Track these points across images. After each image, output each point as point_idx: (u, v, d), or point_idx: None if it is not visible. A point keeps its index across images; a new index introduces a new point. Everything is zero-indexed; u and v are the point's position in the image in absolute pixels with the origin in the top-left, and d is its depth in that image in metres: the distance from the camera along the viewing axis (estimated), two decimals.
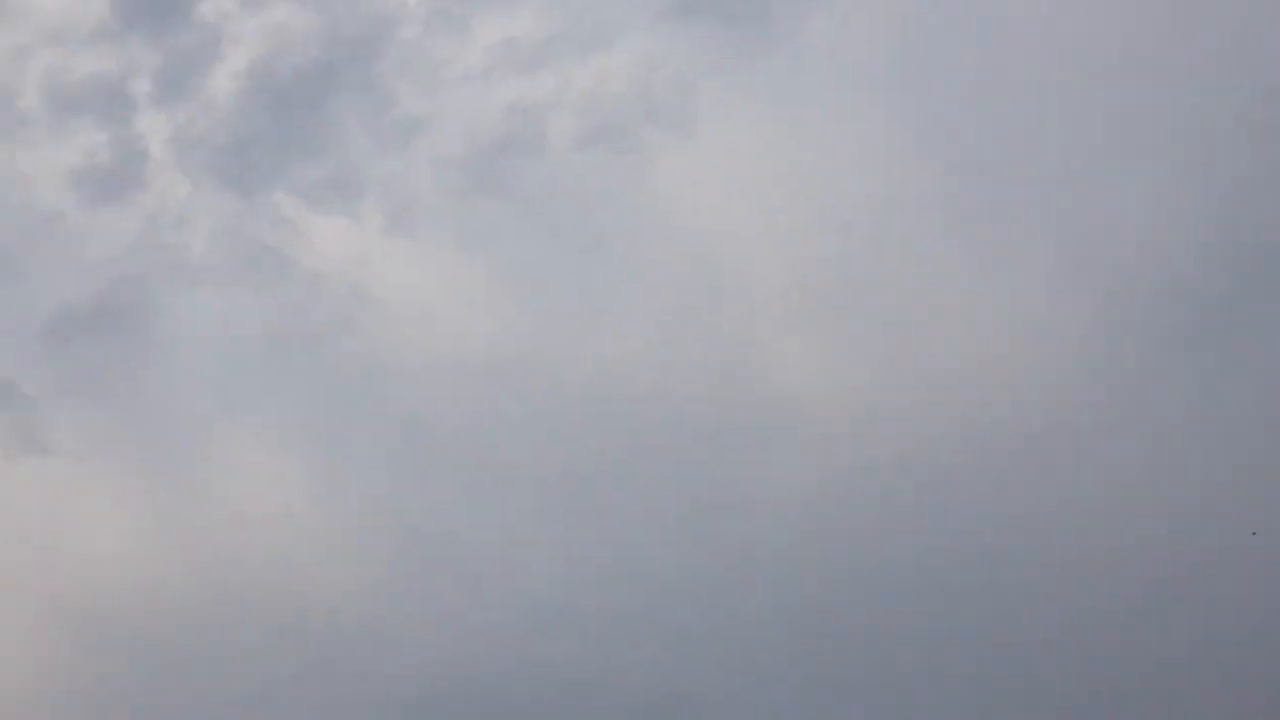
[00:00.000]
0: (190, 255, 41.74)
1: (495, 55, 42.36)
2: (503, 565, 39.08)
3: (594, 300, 41.48)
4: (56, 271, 41.87)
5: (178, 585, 39.61)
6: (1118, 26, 41.79)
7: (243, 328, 41.54)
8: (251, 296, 41.64)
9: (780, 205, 42.04)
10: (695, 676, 37.85)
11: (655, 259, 41.84)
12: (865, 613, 38.03)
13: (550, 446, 40.17)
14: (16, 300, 41.51)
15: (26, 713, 38.31)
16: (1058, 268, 40.90)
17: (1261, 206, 40.02)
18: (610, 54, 42.81)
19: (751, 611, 38.39)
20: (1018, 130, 41.72)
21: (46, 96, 42.15)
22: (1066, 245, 40.90)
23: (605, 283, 41.61)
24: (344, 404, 41.06)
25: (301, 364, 41.22)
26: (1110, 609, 37.35)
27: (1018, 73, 42.02)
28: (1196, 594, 37.08)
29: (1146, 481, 38.66)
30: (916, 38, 42.56)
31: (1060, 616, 37.61)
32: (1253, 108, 40.36)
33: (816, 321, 41.23)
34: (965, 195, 41.44)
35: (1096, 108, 41.55)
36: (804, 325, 41.27)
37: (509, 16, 42.89)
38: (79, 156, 42.07)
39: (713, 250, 41.92)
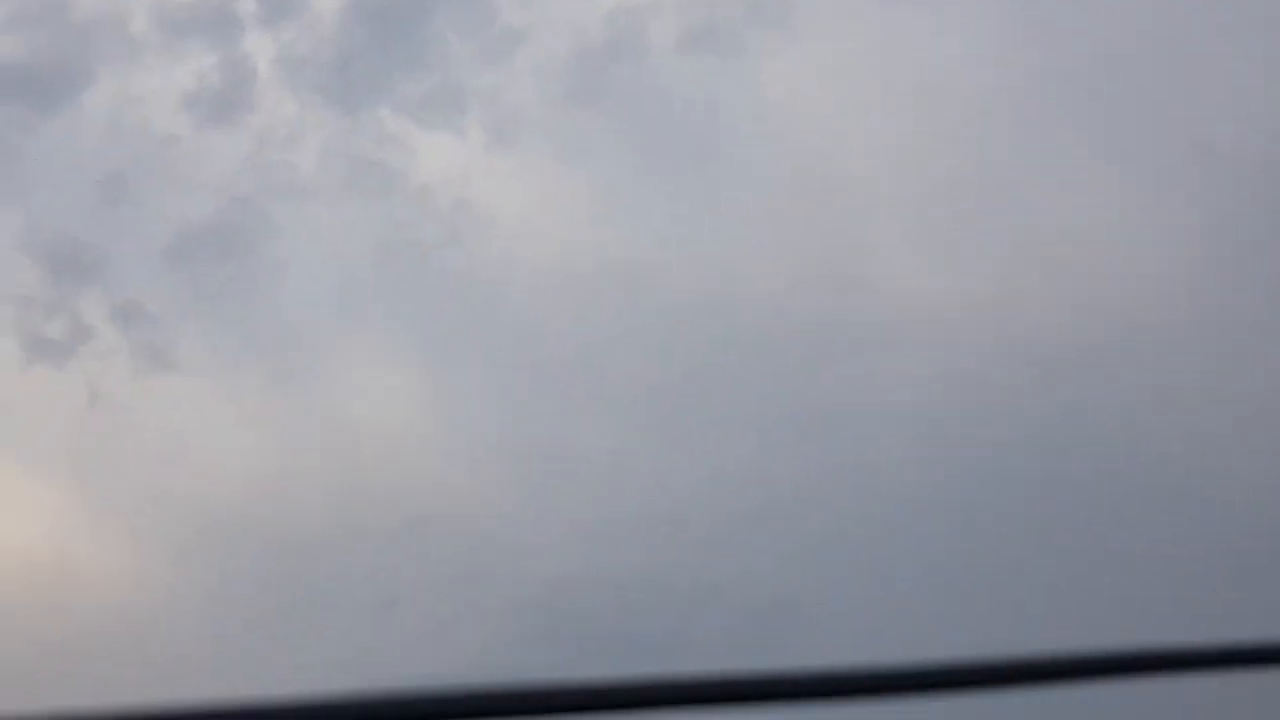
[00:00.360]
0: (300, 173, 42.01)
1: None
2: (616, 474, 39.37)
3: (700, 208, 41.21)
4: (174, 193, 42.35)
5: (304, 497, 40.29)
6: None
7: (353, 243, 41.86)
8: (361, 212, 41.88)
9: (888, 105, 41.38)
10: (807, 583, 37.96)
11: (762, 162, 41.46)
12: (984, 515, 37.72)
13: (658, 356, 40.21)
14: (138, 223, 42.07)
15: (171, 621, 39.47)
16: (1171, 161, 40.05)
17: None
18: None
19: (864, 518, 38.36)
20: (1132, 21, 40.64)
21: (157, 20, 42.63)
22: (1180, 140, 40.02)
23: (711, 189, 41.30)
24: (454, 317, 41.35)
25: (412, 278, 41.52)
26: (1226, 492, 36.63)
27: None
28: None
29: (1261, 364, 37.82)
30: None
31: (1184, 506, 36.91)
32: None
33: (931, 222, 40.56)
34: (1078, 90, 40.53)
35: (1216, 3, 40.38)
36: (919, 226, 40.66)
37: None
38: (190, 79, 42.53)
39: (821, 154, 41.35)
